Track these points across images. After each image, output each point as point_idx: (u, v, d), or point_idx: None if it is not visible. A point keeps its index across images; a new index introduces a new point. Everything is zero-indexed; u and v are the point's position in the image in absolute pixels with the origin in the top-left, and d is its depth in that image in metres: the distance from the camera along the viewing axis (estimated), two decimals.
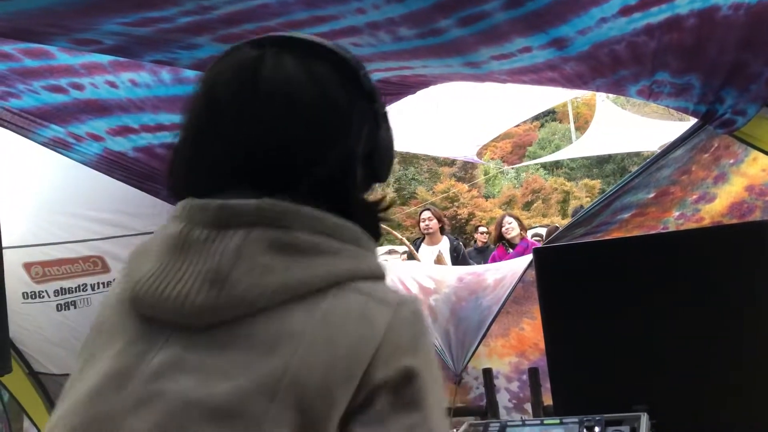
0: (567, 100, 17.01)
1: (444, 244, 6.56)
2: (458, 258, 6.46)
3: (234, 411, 0.73)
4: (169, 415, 0.74)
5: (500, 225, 6.73)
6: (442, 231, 6.74)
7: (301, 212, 0.81)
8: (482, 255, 8.24)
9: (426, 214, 6.73)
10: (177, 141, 0.90)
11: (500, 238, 6.74)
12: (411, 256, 6.56)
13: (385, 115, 0.96)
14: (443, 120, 10.22)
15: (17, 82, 2.08)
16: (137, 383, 0.76)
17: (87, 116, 2.30)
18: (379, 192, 0.96)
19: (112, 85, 2.19)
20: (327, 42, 0.92)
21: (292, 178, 0.84)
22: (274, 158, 0.84)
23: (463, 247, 7.36)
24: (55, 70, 2.06)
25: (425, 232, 6.61)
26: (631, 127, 12.81)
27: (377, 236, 0.93)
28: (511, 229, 6.57)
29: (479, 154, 13.73)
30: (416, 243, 6.81)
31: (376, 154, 0.92)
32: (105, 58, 2.04)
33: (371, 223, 0.92)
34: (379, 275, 0.86)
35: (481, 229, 9.78)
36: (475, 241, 9.74)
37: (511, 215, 6.97)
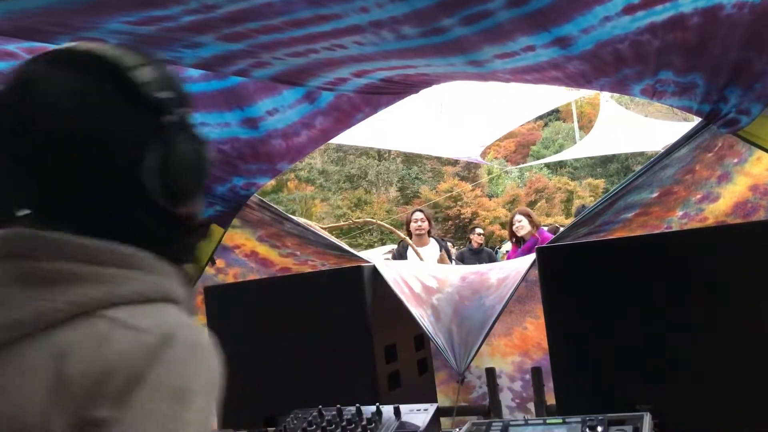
0: (571, 100, 17.02)
1: (432, 247, 6.58)
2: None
3: None
4: None
5: (511, 223, 6.71)
6: (429, 234, 6.76)
7: (48, 239, 0.79)
8: (477, 256, 8.25)
9: (418, 215, 6.76)
10: None
11: (513, 235, 6.74)
12: (401, 256, 6.57)
13: (183, 127, 0.92)
14: (447, 121, 10.24)
15: None
16: None
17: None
18: (187, 209, 0.91)
19: None
20: (110, 53, 0.88)
21: (58, 199, 0.82)
22: (39, 182, 0.82)
23: (450, 249, 7.38)
24: None
25: (416, 232, 6.62)
26: (636, 127, 12.80)
27: (179, 254, 0.90)
28: (521, 227, 6.54)
29: (483, 154, 13.74)
30: (401, 246, 6.82)
31: (167, 167, 0.86)
32: None
33: (165, 241, 0.88)
34: (153, 297, 0.82)
35: (477, 230, 9.79)
36: (470, 242, 9.74)
37: (522, 212, 6.92)
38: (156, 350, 0.76)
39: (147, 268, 0.83)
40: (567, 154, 18.57)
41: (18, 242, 0.79)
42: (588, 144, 14.44)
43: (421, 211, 6.96)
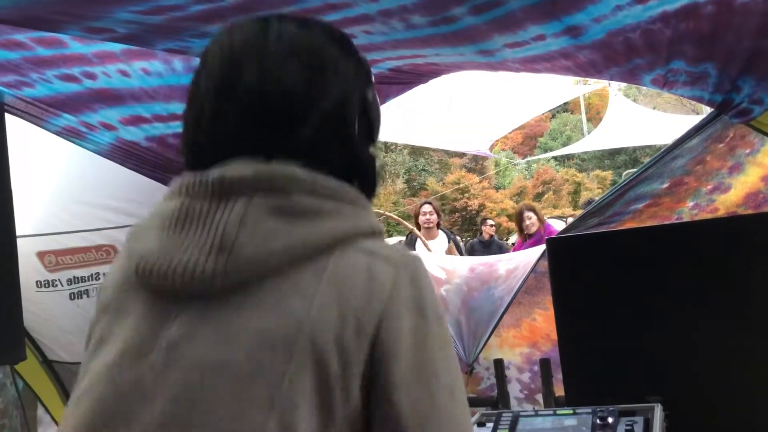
0: (580, 95, 16.91)
1: (441, 239, 6.54)
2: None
3: (254, 372, 0.77)
4: (193, 378, 0.77)
5: (521, 220, 6.64)
6: (438, 225, 6.72)
7: (298, 176, 0.84)
8: (487, 248, 8.19)
9: (427, 208, 6.71)
10: (186, 113, 0.93)
11: (521, 230, 6.69)
12: (412, 244, 6.54)
13: (372, 80, 0.99)
14: (456, 114, 10.19)
15: (30, 71, 2.08)
16: (156, 354, 0.79)
17: (99, 105, 2.30)
18: (374, 151, 0.99)
19: (125, 74, 2.19)
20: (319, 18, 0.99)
21: (295, 124, 0.87)
22: (277, 104, 0.87)
23: (460, 242, 7.34)
24: (67, 59, 2.06)
25: (425, 225, 6.59)
26: (645, 120, 12.69)
27: (373, 194, 0.98)
28: (532, 225, 6.51)
29: (490, 147, 13.69)
30: (410, 238, 6.79)
31: (369, 112, 0.95)
32: (117, 47, 2.04)
33: (369, 180, 0.96)
34: (378, 232, 0.91)
35: (488, 221, 9.71)
36: (481, 233, 9.69)
37: (529, 208, 6.88)
38: (415, 282, 0.85)
39: (368, 205, 0.93)
40: (575, 147, 18.42)
41: (270, 179, 0.83)
42: (597, 137, 14.34)
43: (429, 203, 6.91)
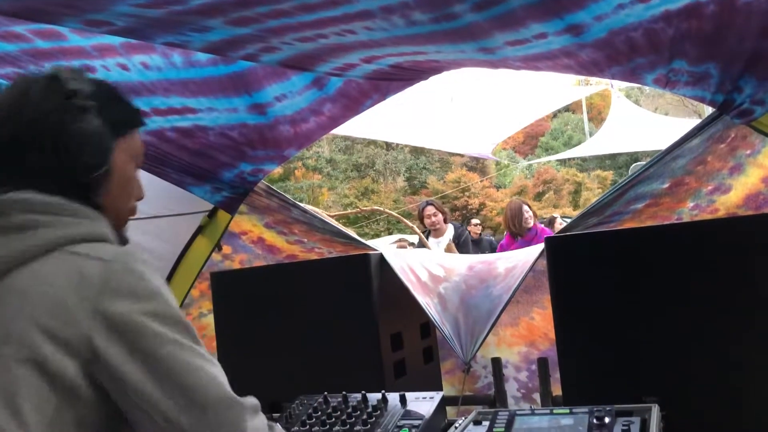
0: (582, 97, 16.88)
1: (449, 232, 6.55)
2: (459, 243, 6.45)
3: None
4: None
5: (520, 214, 6.54)
6: (446, 220, 6.71)
7: (12, 198, 1.09)
8: (478, 246, 8.23)
9: (430, 210, 6.63)
10: None
11: (513, 225, 6.63)
12: (422, 245, 6.54)
13: (88, 109, 1.17)
14: (457, 116, 10.20)
15: (29, 64, 2.07)
16: None
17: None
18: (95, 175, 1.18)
19: (124, 67, 2.18)
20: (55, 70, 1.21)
21: (15, 170, 1.13)
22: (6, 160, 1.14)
23: (468, 234, 7.35)
24: (66, 52, 2.05)
25: (432, 228, 6.57)
26: (648, 124, 12.66)
27: (95, 207, 1.17)
28: (530, 218, 6.47)
29: (492, 150, 13.67)
30: (419, 243, 6.79)
31: (74, 141, 1.13)
32: (117, 40, 2.03)
33: (85, 197, 1.16)
34: (98, 238, 1.12)
35: (473, 221, 9.88)
36: (469, 233, 9.76)
37: (524, 203, 6.83)
38: (126, 273, 1.06)
39: (90, 216, 1.14)
40: (578, 151, 18.34)
41: None
42: (599, 141, 14.29)
43: (431, 204, 6.85)
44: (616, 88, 12.63)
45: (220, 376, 1.08)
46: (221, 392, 1.06)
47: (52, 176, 1.12)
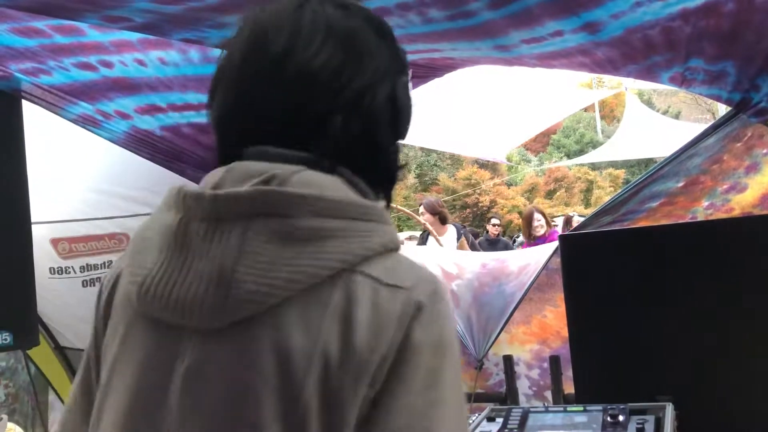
0: (593, 84, 16.79)
1: (450, 234, 6.49)
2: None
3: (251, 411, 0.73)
4: (212, 421, 0.74)
5: (530, 222, 6.58)
6: (444, 221, 6.64)
7: (296, 196, 0.76)
8: (493, 246, 8.18)
9: (420, 210, 6.66)
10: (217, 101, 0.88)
11: (529, 233, 6.65)
12: (425, 240, 6.54)
13: (409, 73, 0.92)
14: (470, 120, 10.21)
15: (48, 59, 2.09)
16: (173, 398, 0.76)
17: (115, 94, 2.31)
18: (398, 152, 0.91)
19: (141, 63, 2.19)
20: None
21: (319, 107, 0.81)
22: (303, 81, 0.80)
23: (471, 236, 7.29)
24: (85, 47, 2.07)
25: (424, 227, 6.57)
26: (664, 129, 12.57)
27: (390, 198, 0.91)
28: (540, 227, 6.48)
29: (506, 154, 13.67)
30: (423, 236, 6.77)
31: (398, 103, 0.87)
32: (134, 36, 2.04)
33: (389, 182, 0.90)
34: (392, 248, 0.81)
35: (493, 221, 9.69)
36: (487, 232, 9.67)
37: (539, 210, 6.84)
38: (417, 307, 0.76)
39: (382, 218, 0.82)
40: (592, 157, 18.16)
41: (267, 201, 0.76)
42: (614, 145, 14.19)
43: (422, 204, 6.77)
44: (630, 90, 12.51)
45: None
46: None
47: (366, 156, 0.85)
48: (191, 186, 0.81)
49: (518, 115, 10.86)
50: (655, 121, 13.14)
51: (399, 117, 0.88)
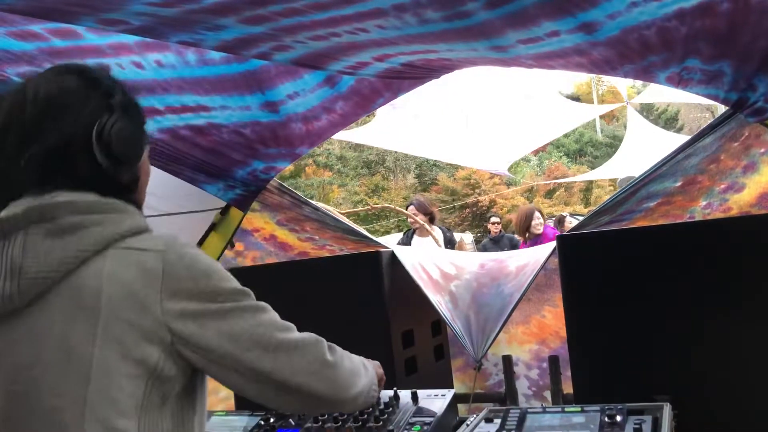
0: (592, 84, 16.78)
1: (437, 236, 6.46)
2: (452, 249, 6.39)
3: (64, 359, 1.06)
4: (15, 378, 1.08)
5: (530, 220, 6.55)
6: (433, 221, 6.62)
7: (59, 201, 1.11)
8: (497, 244, 8.18)
9: (411, 210, 6.62)
10: None
11: (526, 231, 6.64)
12: (409, 240, 6.51)
13: (126, 107, 1.22)
14: (473, 134, 10.28)
15: (45, 62, 2.09)
16: None
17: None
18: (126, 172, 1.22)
19: (138, 65, 2.19)
20: (83, 64, 1.27)
21: (58, 172, 1.14)
22: (41, 156, 1.13)
23: (454, 238, 7.24)
24: (82, 51, 2.07)
25: (413, 226, 6.55)
26: (665, 144, 12.56)
27: (135, 203, 1.23)
28: (540, 225, 6.48)
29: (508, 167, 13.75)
30: (408, 235, 6.72)
31: (113, 138, 1.16)
32: (132, 39, 2.04)
33: (124, 194, 1.21)
34: (143, 230, 1.18)
35: (493, 219, 9.70)
36: (489, 232, 9.68)
37: (538, 209, 6.85)
38: (181, 260, 1.15)
39: (130, 211, 1.19)
40: (596, 174, 18.07)
41: (35, 212, 1.10)
42: (617, 161, 14.15)
43: (412, 203, 6.73)
44: (631, 106, 12.44)
45: (280, 321, 1.29)
46: (286, 336, 1.25)
47: (95, 177, 1.16)
48: None
49: (521, 129, 10.93)
50: (657, 138, 13.11)
51: (111, 147, 1.16)
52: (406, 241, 6.56)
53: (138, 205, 1.25)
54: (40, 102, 1.15)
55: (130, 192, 1.24)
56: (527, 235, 6.64)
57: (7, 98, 1.18)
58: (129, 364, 1.07)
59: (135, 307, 1.08)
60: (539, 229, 6.43)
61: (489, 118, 10.35)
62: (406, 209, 6.82)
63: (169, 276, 1.11)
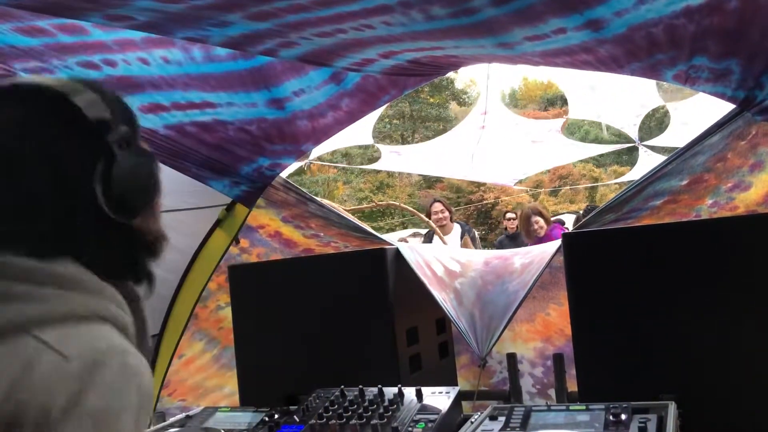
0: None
1: (455, 233, 6.61)
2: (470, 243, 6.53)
3: None
4: None
5: (528, 224, 6.51)
6: (451, 220, 6.81)
7: None
8: (515, 241, 8.11)
9: (438, 207, 6.78)
10: None
11: (528, 234, 6.61)
12: (429, 240, 6.59)
13: (126, 143, 0.96)
14: (482, 157, 10.44)
15: (52, 58, 2.10)
16: None
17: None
18: (140, 222, 0.97)
19: (144, 62, 2.20)
20: (51, 83, 0.95)
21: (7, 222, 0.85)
22: None
23: (475, 232, 7.38)
24: (89, 47, 2.07)
25: (438, 224, 6.63)
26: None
27: (126, 268, 0.94)
28: (540, 228, 6.42)
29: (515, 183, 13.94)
30: (429, 235, 6.86)
31: (114, 185, 0.91)
32: (138, 35, 2.05)
33: (116, 256, 0.92)
34: (85, 316, 0.84)
35: (508, 215, 9.63)
36: (506, 228, 9.64)
37: (536, 212, 6.74)
38: (80, 378, 0.77)
39: (85, 288, 0.86)
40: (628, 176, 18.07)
41: None
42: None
43: (439, 201, 6.99)
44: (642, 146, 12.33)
45: None
46: None
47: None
48: None
49: (531, 152, 11.06)
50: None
51: (117, 199, 0.92)
52: (428, 240, 6.71)
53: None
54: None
55: (120, 259, 0.96)
56: (528, 236, 6.60)
57: None
58: None
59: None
60: (541, 233, 6.35)
61: (494, 151, 10.55)
62: (431, 206, 6.91)
63: (39, 397, 0.77)
